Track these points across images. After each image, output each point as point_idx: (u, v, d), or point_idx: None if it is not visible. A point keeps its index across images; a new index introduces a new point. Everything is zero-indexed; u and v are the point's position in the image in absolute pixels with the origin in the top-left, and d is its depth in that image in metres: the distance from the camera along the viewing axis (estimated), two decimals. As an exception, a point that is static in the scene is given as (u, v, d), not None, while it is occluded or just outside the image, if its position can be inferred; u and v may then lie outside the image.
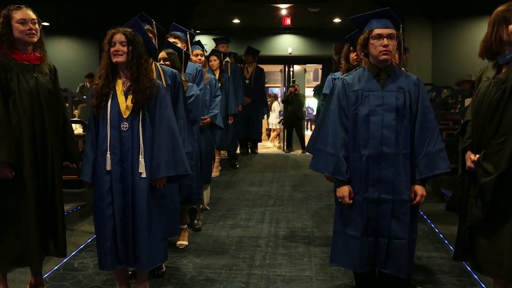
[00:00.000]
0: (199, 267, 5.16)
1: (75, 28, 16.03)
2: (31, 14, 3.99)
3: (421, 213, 6.86)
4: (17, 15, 3.94)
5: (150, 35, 4.40)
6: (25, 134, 3.92)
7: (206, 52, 8.50)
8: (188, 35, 6.45)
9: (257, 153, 12.23)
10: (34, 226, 3.97)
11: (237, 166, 10.48)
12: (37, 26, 4.01)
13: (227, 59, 9.95)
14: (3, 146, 3.77)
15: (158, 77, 4.25)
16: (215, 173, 9.35)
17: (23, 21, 3.93)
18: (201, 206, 7.06)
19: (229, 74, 9.58)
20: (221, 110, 7.79)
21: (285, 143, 15.27)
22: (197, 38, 9.47)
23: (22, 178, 3.92)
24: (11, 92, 3.89)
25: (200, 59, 6.85)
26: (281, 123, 15.68)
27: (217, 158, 9.64)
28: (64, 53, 15.54)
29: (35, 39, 4.01)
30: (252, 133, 11.66)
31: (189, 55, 6.16)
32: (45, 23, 4.09)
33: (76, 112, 10.24)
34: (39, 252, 4.06)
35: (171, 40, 5.97)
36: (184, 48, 6.01)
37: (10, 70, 3.91)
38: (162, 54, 5.31)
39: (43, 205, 4.06)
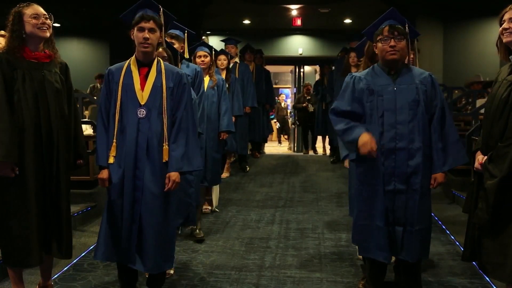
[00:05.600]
0: (209, 268, 5.15)
1: (86, 29, 16.07)
2: (42, 10, 4.01)
3: (432, 214, 6.82)
4: (29, 10, 3.95)
5: (153, 25, 4.00)
6: (29, 133, 3.90)
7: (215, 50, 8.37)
8: (186, 34, 6.08)
9: (258, 157, 12.10)
10: (35, 227, 3.94)
11: (248, 170, 10.41)
12: (49, 21, 4.01)
13: (236, 59, 9.90)
14: (1, 144, 3.74)
15: (159, 76, 4.09)
16: (225, 174, 9.33)
17: (36, 16, 3.94)
18: (210, 207, 7.03)
19: (237, 75, 9.50)
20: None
21: (296, 144, 15.26)
22: (209, 39, 9.45)
23: (24, 178, 3.89)
24: (16, 90, 3.88)
25: (203, 61, 6.52)
26: (295, 124, 15.64)
27: (227, 160, 9.61)
28: (75, 54, 15.60)
29: (48, 34, 4.01)
30: (253, 136, 11.22)
31: (184, 57, 5.88)
32: (56, 24, 4.11)
33: (86, 113, 10.25)
34: (40, 253, 4.02)
35: (167, 40, 5.71)
36: (181, 49, 5.82)
37: (17, 68, 3.90)
38: (161, 52, 4.79)
39: (48, 206, 4.03)
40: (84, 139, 4.39)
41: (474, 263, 4.61)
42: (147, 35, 3.99)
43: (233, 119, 8.57)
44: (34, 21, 3.93)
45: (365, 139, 3.96)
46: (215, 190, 7.20)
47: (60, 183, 4.07)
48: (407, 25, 4.18)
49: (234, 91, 8.65)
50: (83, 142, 4.32)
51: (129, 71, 4.09)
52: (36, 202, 3.94)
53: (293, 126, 16.64)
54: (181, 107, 4.11)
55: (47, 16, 4.01)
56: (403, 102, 4.03)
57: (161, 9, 4.15)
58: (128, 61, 4.15)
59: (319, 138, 13.41)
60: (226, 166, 9.54)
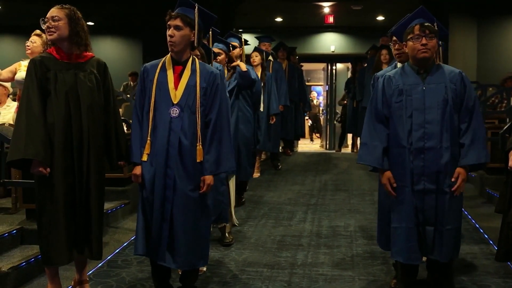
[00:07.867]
0: (241, 266, 5.18)
1: (119, 28, 16.22)
2: (54, 11, 3.99)
3: (466, 212, 6.77)
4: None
5: (178, 23, 4.01)
6: (59, 134, 3.91)
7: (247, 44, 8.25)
8: (210, 32, 5.82)
9: (290, 154, 12.11)
10: (63, 226, 3.95)
11: (279, 167, 10.41)
12: (58, 23, 3.96)
13: (270, 57, 9.90)
14: (30, 143, 3.78)
15: (193, 76, 4.06)
16: (256, 174, 9.31)
17: (45, 20, 3.99)
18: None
19: (271, 72, 9.46)
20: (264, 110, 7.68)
21: (328, 142, 15.19)
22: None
23: (52, 177, 3.91)
24: (48, 91, 3.93)
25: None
26: (338, 121, 15.61)
27: (257, 159, 9.58)
28: (108, 52, 15.75)
29: (54, 36, 3.98)
30: (285, 133, 11.21)
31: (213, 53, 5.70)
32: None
33: (120, 110, 10.35)
34: (69, 253, 4.04)
35: None
36: None
37: (49, 69, 3.94)
38: (195, 51, 4.55)
39: (77, 206, 4.02)
40: (125, 139, 4.35)
41: (508, 263, 4.57)
42: (171, 33, 4.00)
43: (273, 118, 8.57)
44: (44, 25, 3.99)
45: (384, 180, 4.18)
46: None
47: (90, 183, 4.04)
48: (435, 23, 4.17)
49: (270, 89, 8.58)
50: (124, 142, 4.29)
51: (164, 69, 4.09)
52: (64, 201, 3.95)
53: (335, 122, 16.60)
54: (215, 107, 4.09)
55: (56, 18, 3.97)
56: (432, 102, 4.03)
57: (196, 7, 4.09)
58: (164, 59, 4.15)
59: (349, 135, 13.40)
60: (256, 165, 9.48)
